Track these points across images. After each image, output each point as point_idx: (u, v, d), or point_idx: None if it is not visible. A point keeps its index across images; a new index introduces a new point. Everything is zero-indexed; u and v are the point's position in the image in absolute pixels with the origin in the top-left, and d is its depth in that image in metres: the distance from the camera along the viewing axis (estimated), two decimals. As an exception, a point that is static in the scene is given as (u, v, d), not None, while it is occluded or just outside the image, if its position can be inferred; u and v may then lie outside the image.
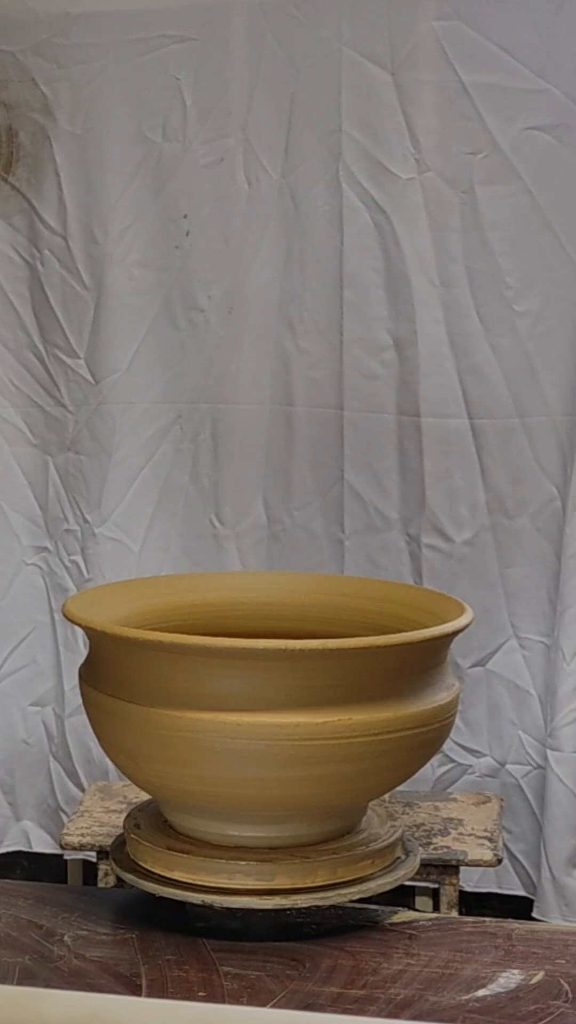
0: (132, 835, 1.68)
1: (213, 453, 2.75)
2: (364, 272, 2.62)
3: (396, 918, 1.63)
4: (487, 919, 1.66)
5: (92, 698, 1.64)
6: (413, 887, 2.70)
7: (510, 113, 2.52)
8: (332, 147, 2.59)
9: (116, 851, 1.70)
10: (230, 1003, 1.36)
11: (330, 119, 2.58)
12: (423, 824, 2.40)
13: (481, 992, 1.43)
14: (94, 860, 2.47)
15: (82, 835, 2.38)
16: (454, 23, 2.50)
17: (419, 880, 2.31)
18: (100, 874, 2.41)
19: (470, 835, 2.36)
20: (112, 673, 1.60)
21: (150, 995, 1.41)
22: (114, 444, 2.73)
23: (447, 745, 2.56)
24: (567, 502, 2.58)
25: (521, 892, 2.71)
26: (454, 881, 2.33)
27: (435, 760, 2.61)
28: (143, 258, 2.70)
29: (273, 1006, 1.36)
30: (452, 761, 2.70)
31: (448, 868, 2.31)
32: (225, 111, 2.63)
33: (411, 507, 2.67)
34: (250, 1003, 1.36)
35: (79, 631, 2.58)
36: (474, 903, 2.68)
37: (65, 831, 2.41)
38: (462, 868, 2.34)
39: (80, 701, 1.70)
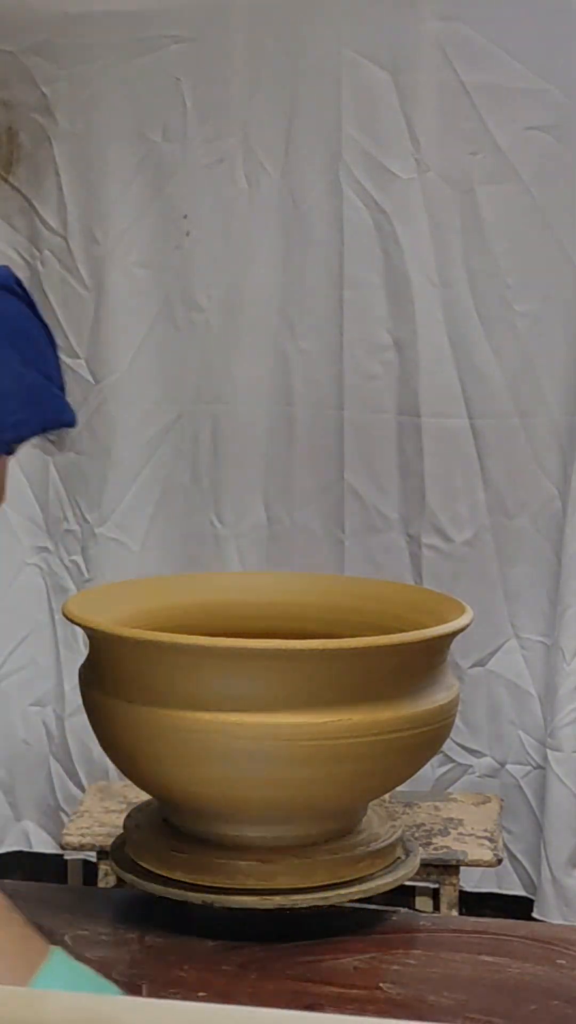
0: (132, 835, 1.67)
1: (213, 453, 2.75)
2: (364, 272, 2.62)
3: (396, 918, 1.63)
4: (487, 919, 1.66)
5: (92, 698, 1.64)
6: (413, 887, 2.70)
7: (510, 113, 2.52)
8: (332, 147, 2.59)
9: (116, 851, 1.70)
10: (230, 1003, 1.36)
11: (330, 119, 2.58)
12: (423, 824, 2.40)
13: (481, 992, 1.43)
14: (94, 860, 2.47)
15: (82, 835, 2.38)
16: (454, 23, 2.50)
17: (419, 880, 2.31)
18: (100, 874, 2.41)
19: (470, 835, 2.36)
20: (112, 673, 1.60)
21: (150, 995, 1.41)
22: (114, 444, 2.73)
23: (447, 745, 2.55)
24: (567, 502, 2.58)
25: (521, 892, 2.71)
26: (454, 881, 2.33)
27: (435, 760, 2.61)
28: (143, 258, 2.71)
29: (273, 1006, 1.36)
30: (452, 761, 2.71)
31: (448, 868, 2.31)
32: (225, 111, 2.63)
33: (411, 507, 2.67)
34: (250, 1003, 1.36)
35: (79, 631, 2.57)
36: (474, 903, 2.68)
37: (65, 831, 2.41)
38: (462, 868, 2.33)
39: (80, 701, 1.70)
